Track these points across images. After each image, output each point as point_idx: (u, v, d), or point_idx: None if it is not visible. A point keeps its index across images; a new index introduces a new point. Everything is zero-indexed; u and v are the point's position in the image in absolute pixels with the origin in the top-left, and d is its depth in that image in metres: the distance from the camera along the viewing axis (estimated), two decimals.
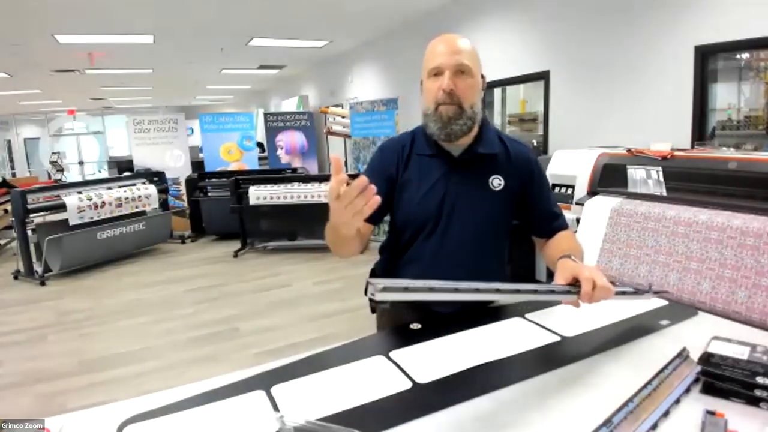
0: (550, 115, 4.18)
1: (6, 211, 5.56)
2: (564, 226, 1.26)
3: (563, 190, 2.85)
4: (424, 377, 0.91)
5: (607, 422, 0.74)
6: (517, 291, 0.83)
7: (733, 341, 0.92)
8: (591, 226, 2.23)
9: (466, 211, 1.17)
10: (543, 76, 4.18)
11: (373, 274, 1.37)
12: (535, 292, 0.88)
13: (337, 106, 8.23)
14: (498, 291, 0.81)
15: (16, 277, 4.65)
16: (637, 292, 1.11)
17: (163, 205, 5.80)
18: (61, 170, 12.28)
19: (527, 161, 1.22)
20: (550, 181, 2.29)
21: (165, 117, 7.33)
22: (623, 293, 1.06)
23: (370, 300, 1.40)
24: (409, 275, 1.26)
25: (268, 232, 5.54)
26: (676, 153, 2.36)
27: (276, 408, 0.83)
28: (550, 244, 1.22)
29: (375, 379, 0.92)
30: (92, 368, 2.79)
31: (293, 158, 8.49)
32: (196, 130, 10.03)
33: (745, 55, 3.00)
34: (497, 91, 5.04)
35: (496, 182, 1.18)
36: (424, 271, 1.20)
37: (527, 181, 1.21)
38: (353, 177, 0.73)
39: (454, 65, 1.08)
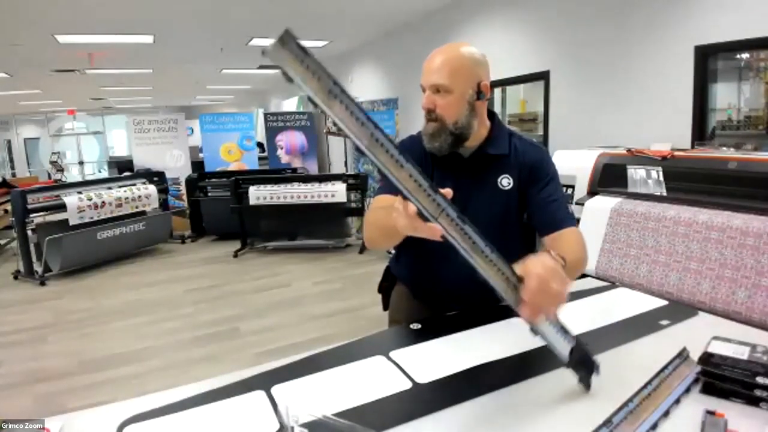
0: (550, 115, 4.17)
1: (6, 211, 5.55)
2: (568, 224, 1.16)
3: (563, 189, 2.85)
4: (424, 377, 0.91)
5: (607, 422, 0.74)
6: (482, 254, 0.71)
7: (733, 341, 0.92)
8: (591, 226, 2.23)
9: (474, 210, 1.14)
10: (543, 76, 4.18)
11: (388, 270, 1.41)
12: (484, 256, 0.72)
13: None
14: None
15: (16, 277, 4.65)
16: (577, 347, 0.84)
17: (163, 205, 5.80)
18: (61, 170, 12.27)
19: (535, 161, 1.20)
20: None
21: (165, 117, 7.32)
22: (564, 331, 0.83)
23: (381, 293, 1.42)
24: (419, 271, 1.30)
25: (268, 232, 5.53)
26: (676, 153, 2.36)
27: (276, 408, 0.83)
28: (552, 246, 1.12)
29: (375, 379, 0.92)
30: (92, 368, 2.78)
31: (293, 158, 8.48)
32: (196, 130, 10.01)
33: (745, 55, 2.99)
34: (497, 91, 5.02)
35: (505, 182, 1.19)
36: (433, 268, 1.23)
37: (533, 178, 1.19)
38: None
39: (430, 85, 1.11)
